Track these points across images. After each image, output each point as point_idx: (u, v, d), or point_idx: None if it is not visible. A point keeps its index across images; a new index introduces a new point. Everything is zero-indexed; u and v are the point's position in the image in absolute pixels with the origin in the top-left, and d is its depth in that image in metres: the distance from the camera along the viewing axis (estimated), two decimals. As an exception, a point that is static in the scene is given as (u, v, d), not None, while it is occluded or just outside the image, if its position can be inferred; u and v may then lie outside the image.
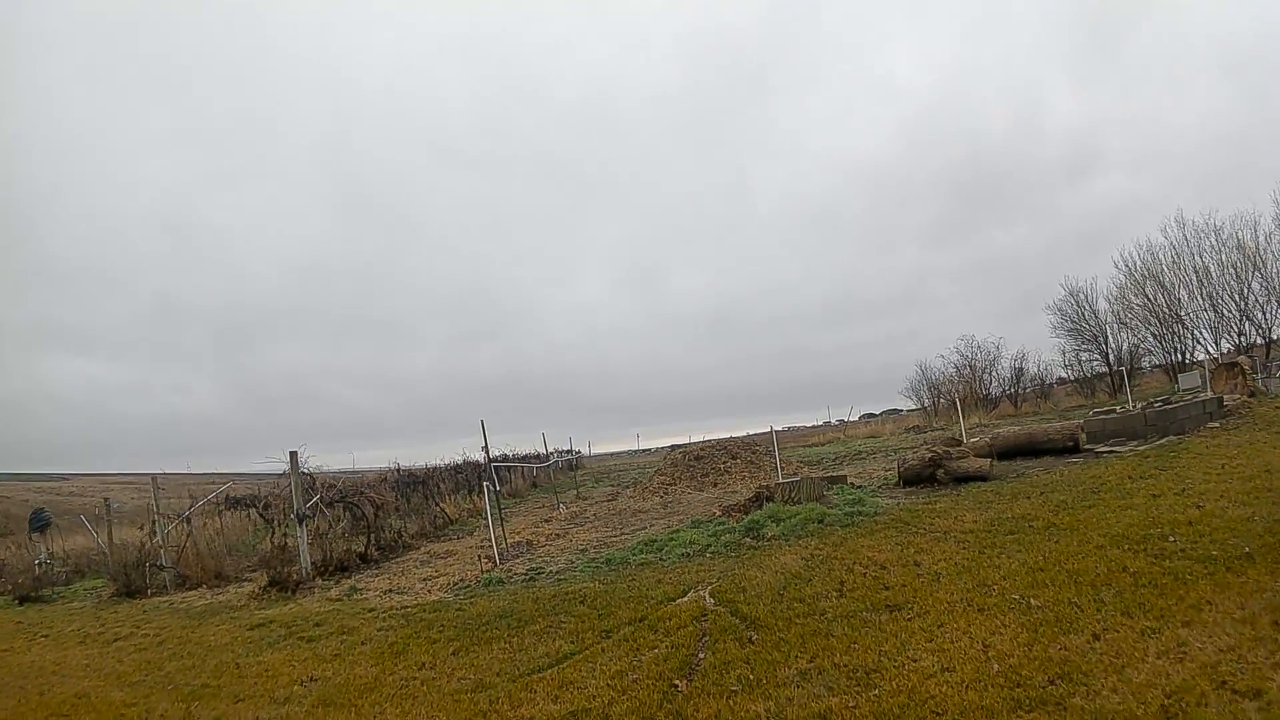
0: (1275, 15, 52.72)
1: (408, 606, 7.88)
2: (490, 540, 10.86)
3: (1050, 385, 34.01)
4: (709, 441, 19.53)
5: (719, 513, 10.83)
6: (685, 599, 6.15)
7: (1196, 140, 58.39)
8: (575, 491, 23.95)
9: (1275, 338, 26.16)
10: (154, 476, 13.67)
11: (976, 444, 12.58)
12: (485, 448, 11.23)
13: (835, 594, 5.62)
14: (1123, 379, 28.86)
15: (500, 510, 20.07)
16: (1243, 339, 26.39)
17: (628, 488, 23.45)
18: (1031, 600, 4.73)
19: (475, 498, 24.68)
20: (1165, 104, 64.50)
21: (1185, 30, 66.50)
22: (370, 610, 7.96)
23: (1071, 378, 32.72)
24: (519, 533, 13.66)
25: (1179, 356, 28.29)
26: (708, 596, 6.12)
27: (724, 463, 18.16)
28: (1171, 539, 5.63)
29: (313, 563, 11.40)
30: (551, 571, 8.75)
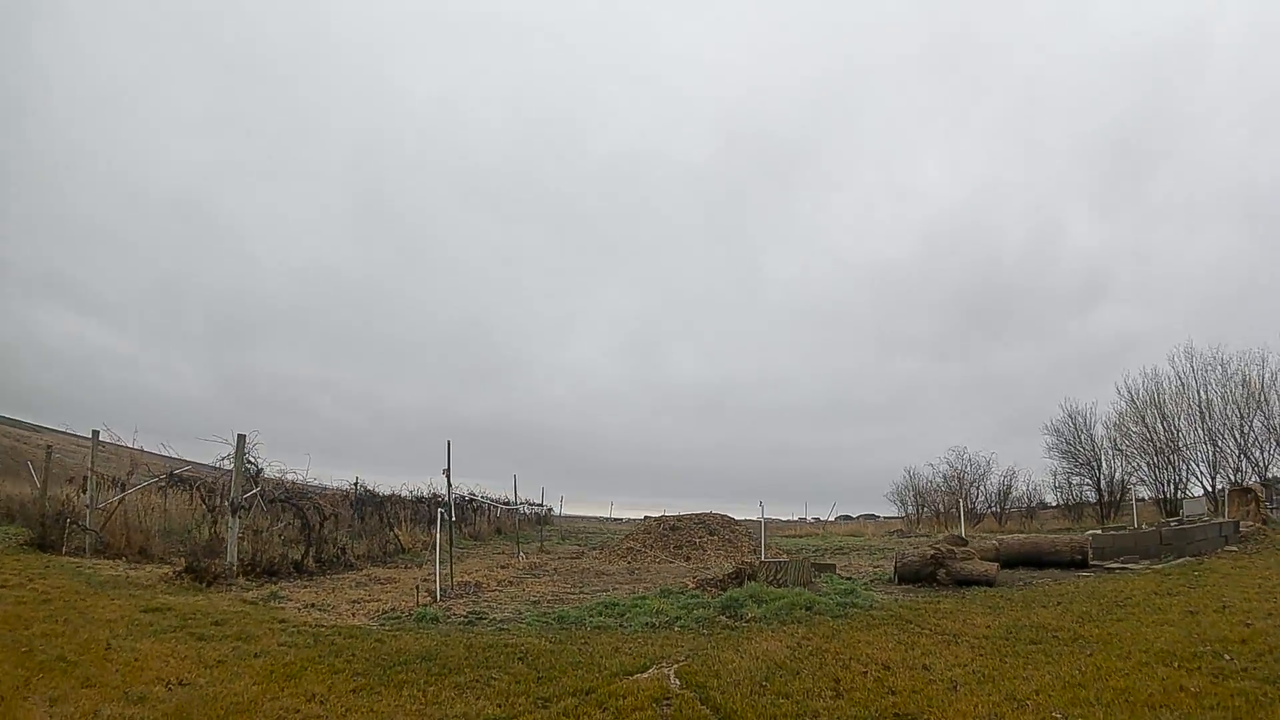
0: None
1: (323, 626, 6.74)
2: (436, 574, 9.69)
3: (1036, 506, 32.97)
4: (687, 515, 18.37)
5: (692, 585, 9.74)
6: (645, 675, 5.10)
7: (1206, 278, 59.61)
8: (539, 544, 22.50)
9: (1270, 476, 25.40)
10: (95, 432, 12.54)
11: (982, 548, 11.57)
12: (447, 470, 10.10)
13: (830, 693, 4.61)
14: (1113, 506, 27.94)
15: (453, 546, 18.73)
16: (1238, 475, 25.64)
17: (595, 549, 22.04)
18: (1079, 725, 3.78)
19: (434, 531, 23.19)
20: (1180, 240, 66.12)
21: (1207, 172, 68.80)
22: (281, 621, 6.82)
23: (1059, 502, 31.72)
24: (470, 573, 12.41)
25: (1173, 489, 27.45)
26: (673, 676, 5.07)
27: (700, 537, 17.00)
28: (1228, 658, 5.08)
29: (240, 559, 10.17)
30: (495, 619, 7.61)
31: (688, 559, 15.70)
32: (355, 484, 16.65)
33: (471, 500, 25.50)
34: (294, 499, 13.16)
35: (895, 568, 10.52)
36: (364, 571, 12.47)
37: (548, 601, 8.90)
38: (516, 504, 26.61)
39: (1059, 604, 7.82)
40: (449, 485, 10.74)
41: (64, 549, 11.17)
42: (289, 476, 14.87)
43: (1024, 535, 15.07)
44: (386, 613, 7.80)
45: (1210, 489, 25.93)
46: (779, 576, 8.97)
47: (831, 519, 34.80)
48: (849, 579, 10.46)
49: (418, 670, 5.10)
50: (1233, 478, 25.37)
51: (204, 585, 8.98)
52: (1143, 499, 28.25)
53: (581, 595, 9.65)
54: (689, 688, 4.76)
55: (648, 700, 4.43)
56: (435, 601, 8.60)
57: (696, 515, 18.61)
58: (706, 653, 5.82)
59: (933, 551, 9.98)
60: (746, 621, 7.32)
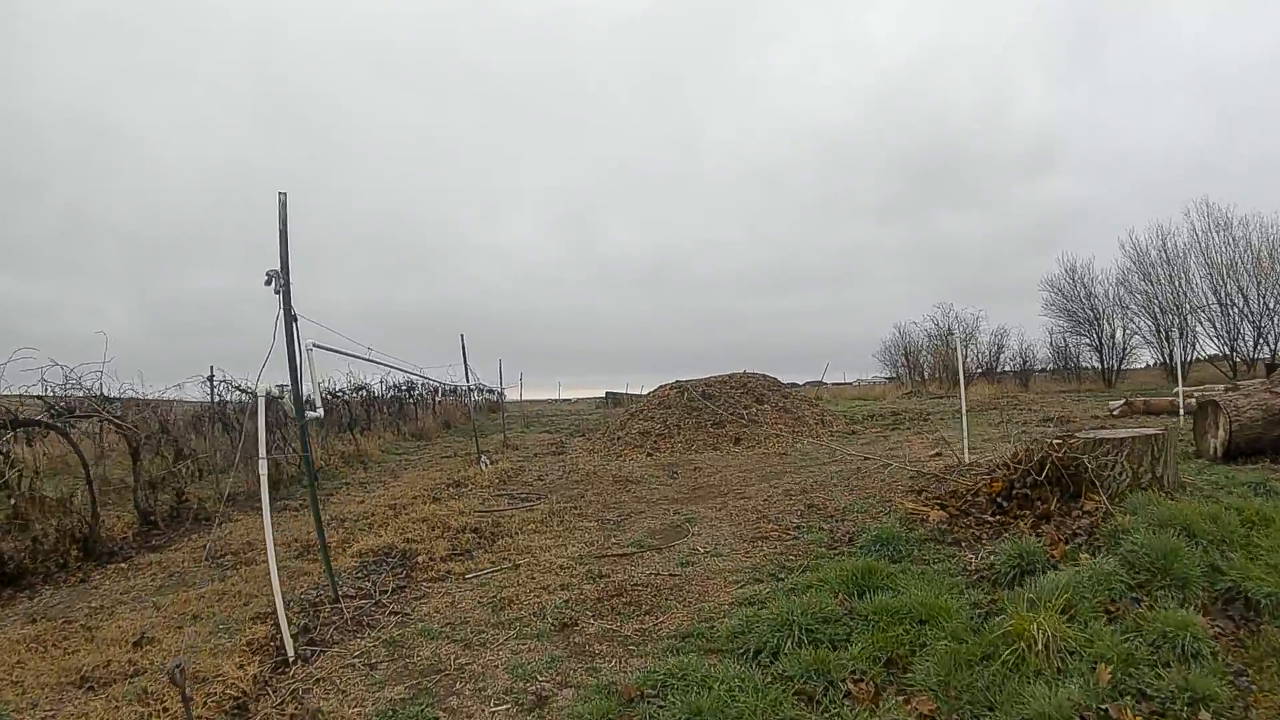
0: (1258, 50, 50.98)
1: None
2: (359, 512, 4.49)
3: (1030, 369, 30.69)
4: (717, 377, 13.47)
5: (909, 503, 4.89)
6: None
7: (1156, 156, 57.52)
8: (502, 435, 17.60)
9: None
10: None
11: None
12: (282, 260, 3.95)
13: None
14: (1115, 370, 26.63)
15: (391, 452, 13.59)
16: (1240, 342, 23.34)
17: (575, 437, 17.43)
18: None
19: (383, 433, 17.93)
20: (1133, 117, 62.95)
21: (1166, 50, 64.53)
22: None
23: (1056, 364, 29.96)
24: (400, 511, 7.23)
25: (1184, 353, 25.03)
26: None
27: (748, 407, 12.27)
28: None
29: None
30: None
31: (738, 441, 10.99)
32: (211, 383, 10.76)
33: (410, 387, 20.04)
34: (66, 417, 7.30)
35: (1223, 434, 5.96)
36: (190, 543, 7.09)
37: (607, 616, 3.87)
38: (469, 387, 21.43)
39: None
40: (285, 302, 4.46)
41: None
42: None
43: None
44: None
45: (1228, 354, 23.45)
46: (1111, 467, 4.16)
47: (827, 382, 31.39)
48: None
49: None
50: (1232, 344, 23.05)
51: None
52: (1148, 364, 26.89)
53: (664, 571, 4.71)
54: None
55: None
56: (293, 662, 3.38)
57: (731, 377, 13.66)
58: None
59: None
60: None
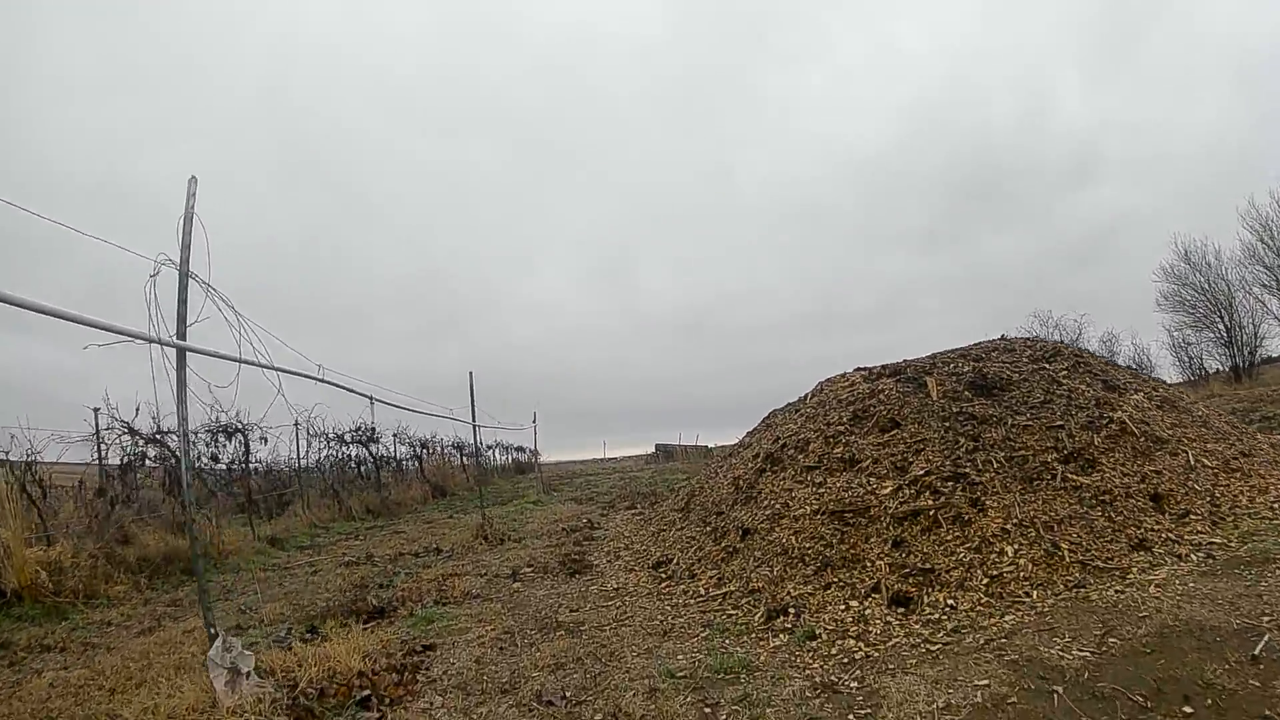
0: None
1: None
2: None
3: (1150, 373, 23.55)
4: (977, 346, 5.32)
5: None
6: None
7: (1197, 151, 49.24)
8: (481, 514, 10.28)
9: None
10: None
11: None
12: None
13: None
14: (1248, 368, 21.65)
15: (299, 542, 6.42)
16: None
17: (618, 509, 10.11)
18: None
19: (315, 509, 10.94)
20: (1171, 113, 55.68)
21: (1200, 39, 57.29)
22: None
23: (1180, 368, 24.89)
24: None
25: None
26: None
27: (1079, 434, 4.11)
28: None
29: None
30: None
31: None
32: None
33: (360, 434, 12.99)
34: None
35: None
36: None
37: None
38: (475, 433, 14.57)
39: None
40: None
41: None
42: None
43: None
44: None
45: None
46: None
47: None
48: None
49: None
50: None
51: None
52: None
53: None
54: None
55: None
56: None
57: (1005, 344, 5.93)
58: None
59: None
60: None
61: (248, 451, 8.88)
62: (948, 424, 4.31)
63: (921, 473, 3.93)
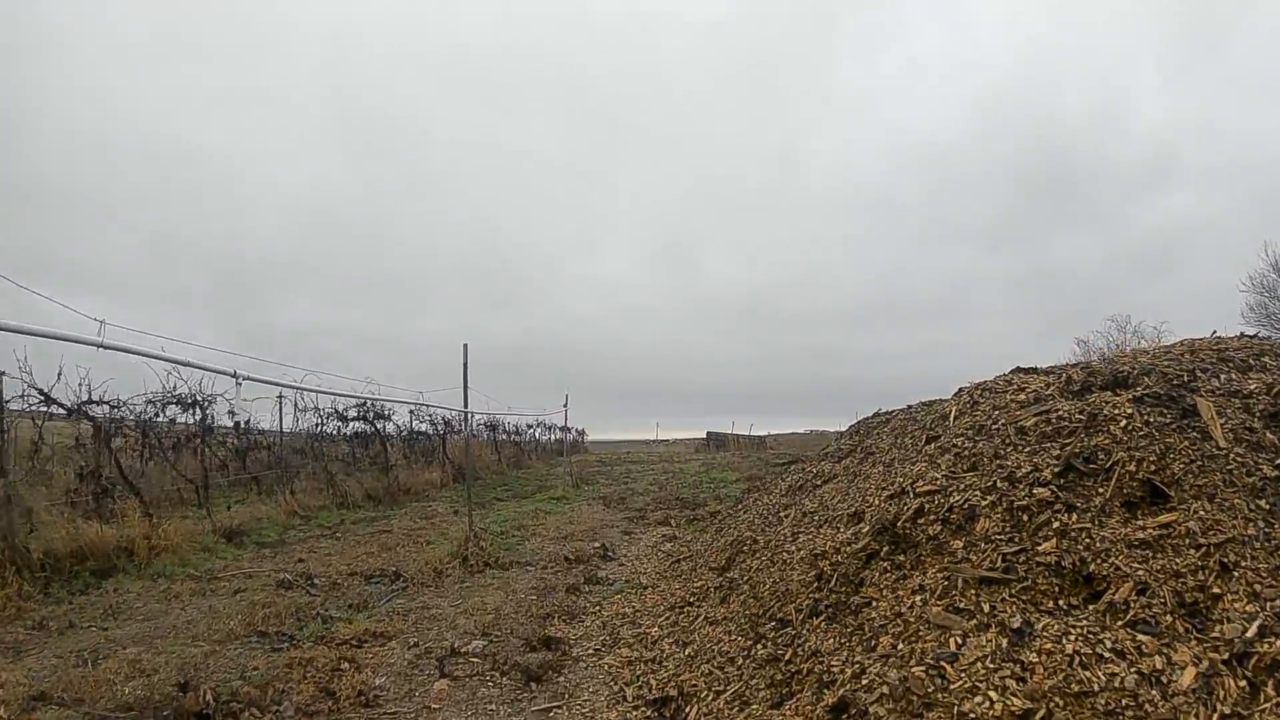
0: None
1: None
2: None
3: None
4: (1193, 351, 3.04)
5: None
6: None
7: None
8: (468, 521, 8.63)
9: None
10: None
11: None
12: None
13: None
14: None
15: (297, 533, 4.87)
16: None
17: (648, 522, 8.36)
18: None
19: (286, 493, 9.43)
20: (1258, 114, 49.73)
21: None
22: None
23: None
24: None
25: None
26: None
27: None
28: None
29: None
30: None
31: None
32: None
33: (366, 410, 11.52)
34: None
35: None
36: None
37: None
38: (467, 411, 13.09)
39: None
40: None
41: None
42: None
43: None
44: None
45: None
46: None
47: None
48: None
49: None
50: None
51: None
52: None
53: None
54: None
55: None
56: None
57: (1242, 348, 3.62)
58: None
59: None
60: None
61: (204, 424, 7.52)
62: (1260, 498, 2.23)
63: (1251, 632, 1.79)
